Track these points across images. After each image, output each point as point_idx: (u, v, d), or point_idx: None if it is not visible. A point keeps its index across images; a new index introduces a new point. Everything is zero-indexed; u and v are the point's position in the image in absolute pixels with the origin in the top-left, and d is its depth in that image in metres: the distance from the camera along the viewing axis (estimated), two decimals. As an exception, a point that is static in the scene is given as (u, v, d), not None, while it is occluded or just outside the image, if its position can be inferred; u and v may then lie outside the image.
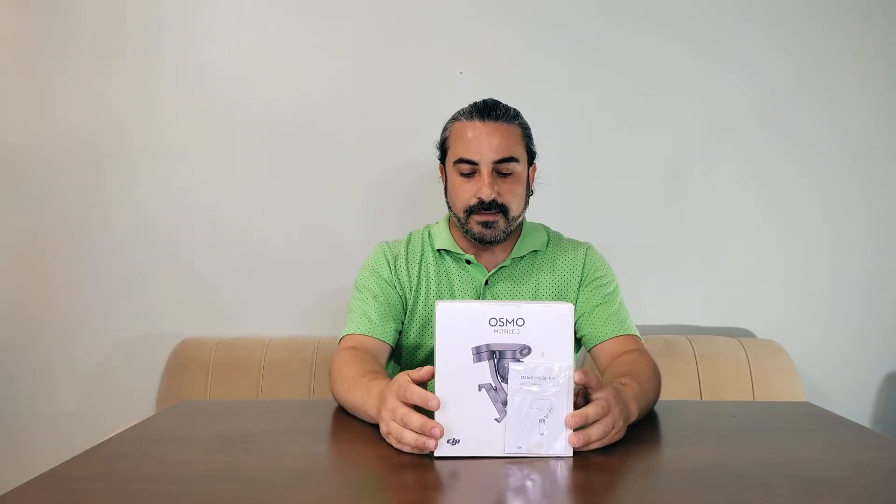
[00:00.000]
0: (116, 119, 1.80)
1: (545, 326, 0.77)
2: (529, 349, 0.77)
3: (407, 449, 0.79)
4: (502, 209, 1.15)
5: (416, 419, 0.77)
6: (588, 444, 0.78)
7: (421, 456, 0.79)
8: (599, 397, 0.80)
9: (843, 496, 0.68)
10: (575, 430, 0.78)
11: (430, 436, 0.77)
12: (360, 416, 0.94)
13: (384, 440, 0.83)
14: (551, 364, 0.77)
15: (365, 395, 0.92)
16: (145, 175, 1.81)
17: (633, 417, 0.88)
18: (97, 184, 1.80)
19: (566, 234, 1.32)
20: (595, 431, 0.78)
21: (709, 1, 1.81)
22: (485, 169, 1.14)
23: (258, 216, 1.82)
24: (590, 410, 0.78)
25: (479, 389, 0.78)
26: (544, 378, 0.77)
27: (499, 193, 1.15)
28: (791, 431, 0.93)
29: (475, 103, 1.19)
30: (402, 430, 0.78)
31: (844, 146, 1.83)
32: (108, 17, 1.79)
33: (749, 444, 0.85)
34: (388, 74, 1.81)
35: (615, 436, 0.81)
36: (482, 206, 1.14)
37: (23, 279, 1.81)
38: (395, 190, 1.81)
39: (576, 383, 0.78)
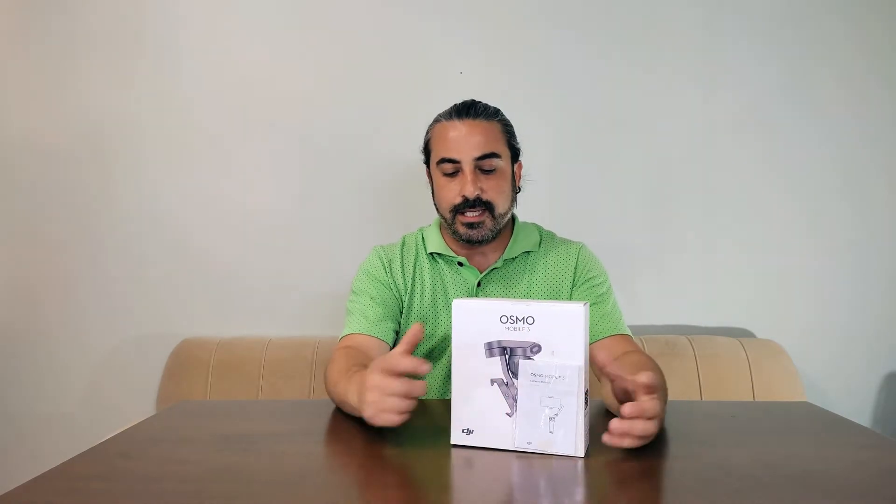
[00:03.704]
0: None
1: (555, 325, 0.78)
2: (539, 347, 0.78)
3: (394, 418, 0.79)
4: (487, 206, 1.16)
5: (398, 382, 0.78)
6: (624, 441, 0.75)
7: (423, 454, 0.79)
8: (654, 393, 0.76)
9: (843, 496, 0.68)
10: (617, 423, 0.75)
11: (419, 371, 0.78)
12: (347, 411, 0.94)
13: (384, 440, 0.83)
14: (561, 363, 0.77)
15: (346, 385, 0.92)
16: (146, 177, 1.80)
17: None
18: (99, 185, 1.80)
19: (566, 234, 1.32)
20: (639, 428, 0.75)
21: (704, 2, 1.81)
22: (467, 167, 1.15)
23: (258, 216, 1.82)
24: (648, 405, 0.75)
25: (492, 384, 0.80)
26: (554, 377, 0.77)
27: (482, 190, 1.15)
28: (791, 431, 0.92)
29: (455, 104, 1.21)
30: (384, 396, 0.79)
31: (845, 145, 1.82)
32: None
33: (749, 444, 0.85)
34: (388, 75, 1.81)
35: (652, 434, 0.77)
36: (467, 205, 1.15)
37: (24, 280, 1.81)
38: (396, 191, 1.81)
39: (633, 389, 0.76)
